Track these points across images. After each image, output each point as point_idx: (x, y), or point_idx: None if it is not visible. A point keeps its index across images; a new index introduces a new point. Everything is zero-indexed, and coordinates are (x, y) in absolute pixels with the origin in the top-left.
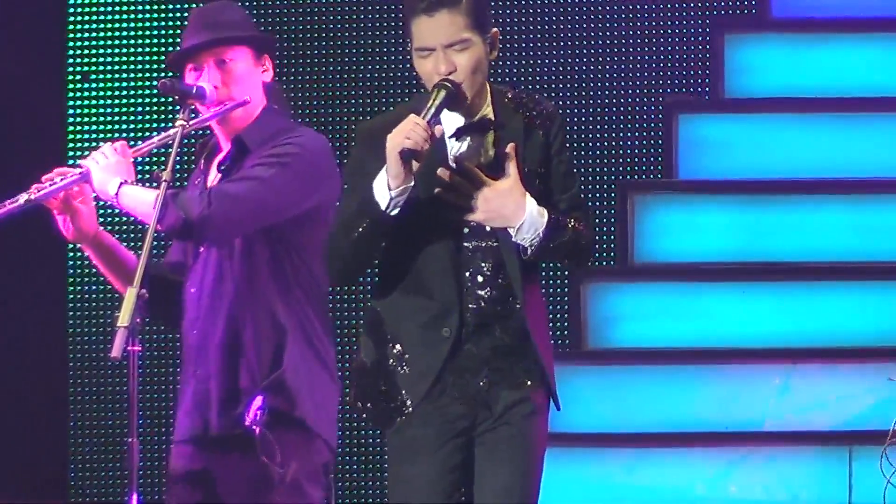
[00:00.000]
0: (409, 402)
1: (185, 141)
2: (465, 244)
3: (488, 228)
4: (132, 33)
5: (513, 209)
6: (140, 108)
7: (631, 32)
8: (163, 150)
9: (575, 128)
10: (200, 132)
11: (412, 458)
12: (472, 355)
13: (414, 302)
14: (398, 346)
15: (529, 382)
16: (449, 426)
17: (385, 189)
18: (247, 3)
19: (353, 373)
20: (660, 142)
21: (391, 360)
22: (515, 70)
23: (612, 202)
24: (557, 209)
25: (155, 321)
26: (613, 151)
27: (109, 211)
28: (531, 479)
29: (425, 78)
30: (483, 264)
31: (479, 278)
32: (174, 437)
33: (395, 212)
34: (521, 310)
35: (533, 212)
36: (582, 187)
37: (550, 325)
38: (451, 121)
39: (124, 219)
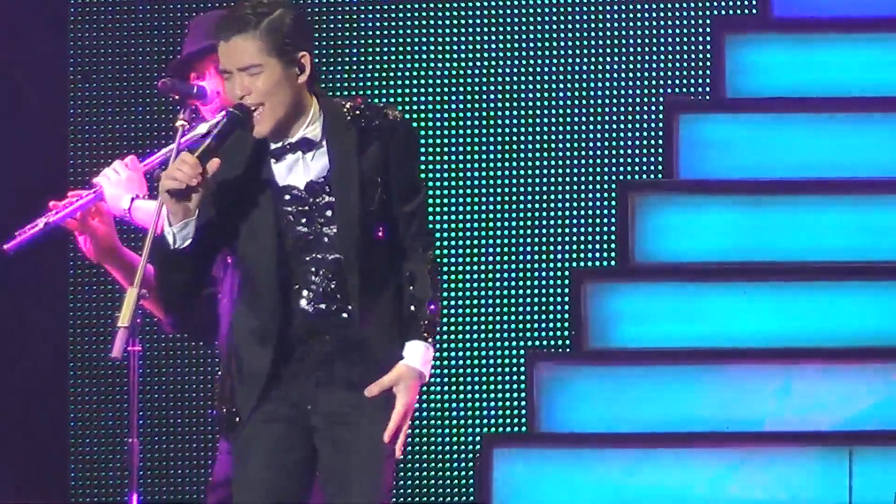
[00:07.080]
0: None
1: None
2: (304, 256)
3: (326, 240)
4: (133, 33)
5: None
6: (141, 110)
7: (631, 32)
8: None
9: (575, 128)
10: None
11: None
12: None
13: (246, 311)
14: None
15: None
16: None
17: (168, 226)
18: None
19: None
20: (660, 142)
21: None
22: (515, 70)
23: (613, 202)
24: (396, 218)
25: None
26: (613, 151)
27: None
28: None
29: (230, 101)
30: (314, 278)
31: (306, 292)
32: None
33: (186, 244)
34: (356, 321)
35: (419, 354)
36: (580, 187)
37: (550, 325)
38: (272, 143)
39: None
